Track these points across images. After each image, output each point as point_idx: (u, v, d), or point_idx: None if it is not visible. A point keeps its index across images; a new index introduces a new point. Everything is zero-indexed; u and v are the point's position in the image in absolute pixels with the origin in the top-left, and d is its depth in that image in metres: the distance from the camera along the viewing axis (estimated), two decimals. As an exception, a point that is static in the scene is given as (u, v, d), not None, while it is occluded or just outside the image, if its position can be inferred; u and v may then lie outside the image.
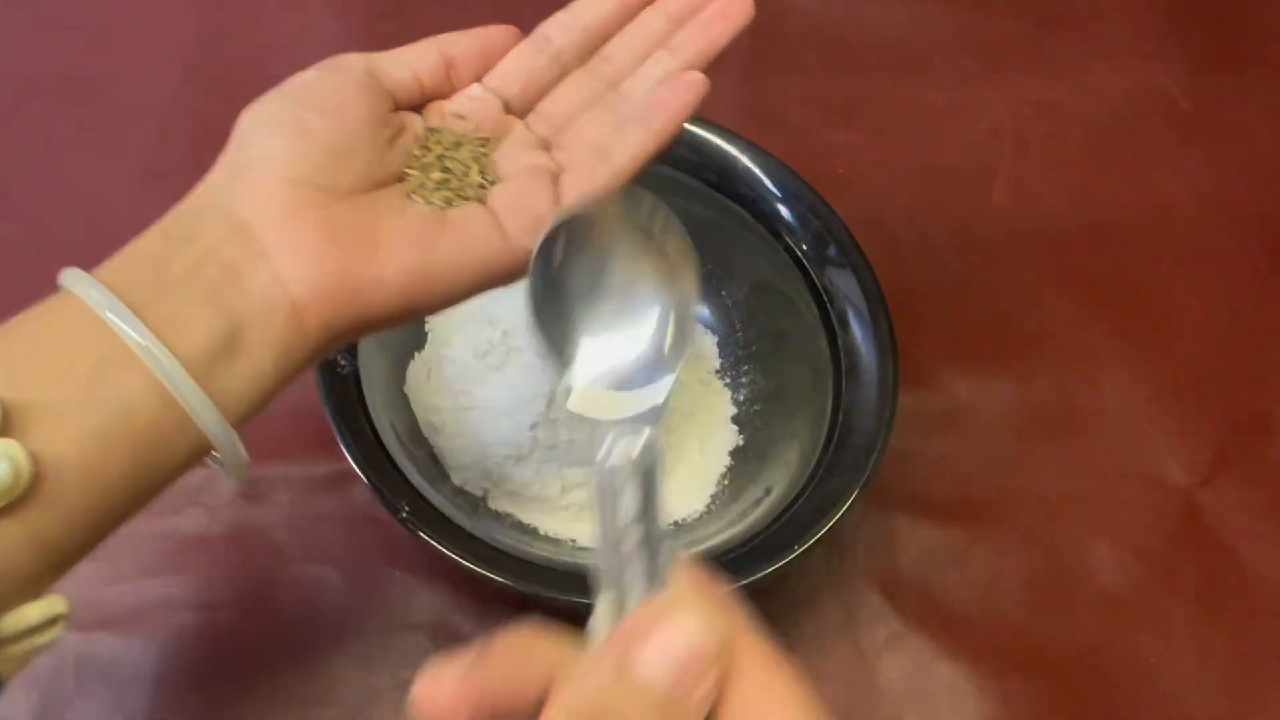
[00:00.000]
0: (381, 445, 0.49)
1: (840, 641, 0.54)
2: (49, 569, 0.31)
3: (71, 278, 0.32)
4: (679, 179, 0.56)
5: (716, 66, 0.68)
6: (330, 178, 0.35)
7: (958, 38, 0.74)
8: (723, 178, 0.57)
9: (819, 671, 0.53)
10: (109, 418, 0.31)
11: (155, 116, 0.66)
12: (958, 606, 0.55)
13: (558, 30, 0.39)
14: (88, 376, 0.31)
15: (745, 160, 0.56)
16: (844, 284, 0.55)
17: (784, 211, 0.56)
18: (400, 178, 0.38)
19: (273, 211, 0.34)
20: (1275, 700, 0.54)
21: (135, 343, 0.31)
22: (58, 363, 0.31)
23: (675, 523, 0.54)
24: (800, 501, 0.50)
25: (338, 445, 0.47)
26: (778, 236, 0.56)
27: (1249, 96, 0.73)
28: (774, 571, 0.47)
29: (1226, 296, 0.66)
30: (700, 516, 0.54)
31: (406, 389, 0.54)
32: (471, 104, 0.39)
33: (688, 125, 0.57)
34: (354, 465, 0.47)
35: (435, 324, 0.56)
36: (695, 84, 0.37)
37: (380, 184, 0.37)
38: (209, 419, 0.32)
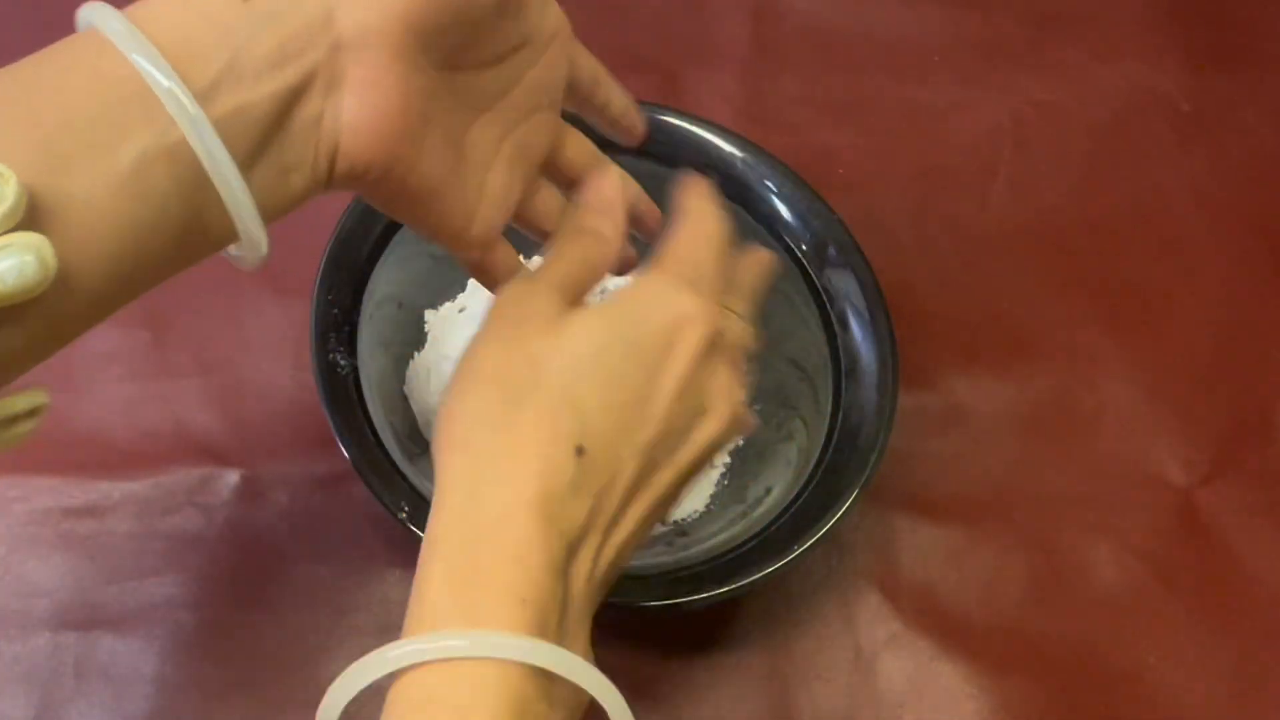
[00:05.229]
0: (381, 445, 0.49)
1: (840, 641, 0.54)
2: (54, 343, 0.30)
3: (126, 39, 0.29)
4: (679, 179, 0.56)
5: (716, 66, 0.68)
6: (446, 41, 0.33)
7: (957, 38, 0.74)
8: (723, 178, 0.57)
9: (819, 672, 0.53)
10: (147, 213, 0.29)
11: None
12: (958, 606, 0.55)
13: None
14: (132, 166, 0.28)
15: (745, 160, 0.56)
16: (844, 284, 0.55)
17: (784, 211, 0.56)
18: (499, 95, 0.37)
19: (375, 46, 0.31)
20: (1275, 700, 0.54)
21: (196, 141, 0.29)
22: (99, 144, 0.28)
23: (675, 522, 0.54)
24: (800, 501, 0.50)
25: (337, 445, 0.47)
26: (778, 236, 0.56)
27: (1249, 96, 0.73)
28: (774, 571, 0.47)
29: (1227, 296, 0.66)
30: (700, 516, 0.54)
31: (406, 389, 0.54)
32: None
33: (688, 126, 0.57)
34: (353, 465, 0.47)
35: (435, 324, 0.56)
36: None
37: (483, 90, 0.36)
38: (248, 215, 0.31)
